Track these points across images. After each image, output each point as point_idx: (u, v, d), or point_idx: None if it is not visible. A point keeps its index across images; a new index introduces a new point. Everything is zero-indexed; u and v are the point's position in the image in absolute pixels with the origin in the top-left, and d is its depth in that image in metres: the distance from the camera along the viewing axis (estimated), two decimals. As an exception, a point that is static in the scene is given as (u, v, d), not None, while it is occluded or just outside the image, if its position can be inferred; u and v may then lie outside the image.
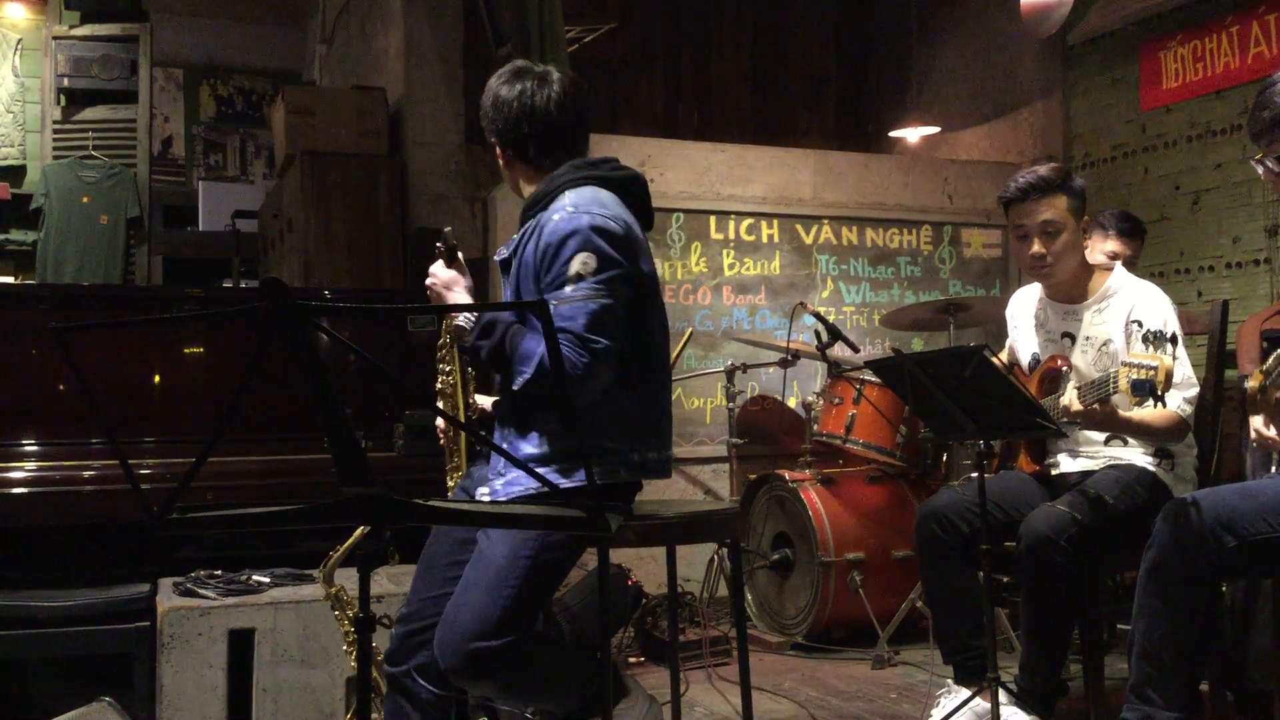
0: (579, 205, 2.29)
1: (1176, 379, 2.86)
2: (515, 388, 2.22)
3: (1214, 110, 4.87)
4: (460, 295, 2.40)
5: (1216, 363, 3.24)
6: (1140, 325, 2.93)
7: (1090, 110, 5.51)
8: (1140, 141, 5.23)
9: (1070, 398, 2.77)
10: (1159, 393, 2.50)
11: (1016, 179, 3.06)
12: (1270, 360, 2.30)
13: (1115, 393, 2.63)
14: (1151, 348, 2.58)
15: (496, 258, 2.46)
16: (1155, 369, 2.49)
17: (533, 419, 2.32)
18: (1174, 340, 2.82)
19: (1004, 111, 6.02)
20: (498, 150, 2.48)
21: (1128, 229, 4.09)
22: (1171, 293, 4.80)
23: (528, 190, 2.46)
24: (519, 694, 2.33)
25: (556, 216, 2.28)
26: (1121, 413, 2.84)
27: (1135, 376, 2.50)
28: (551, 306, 2.21)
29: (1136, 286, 3.07)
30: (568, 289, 2.23)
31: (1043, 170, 3.03)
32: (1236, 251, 4.79)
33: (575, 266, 2.23)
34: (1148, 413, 2.89)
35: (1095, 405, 2.72)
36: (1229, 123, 4.79)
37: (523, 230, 2.39)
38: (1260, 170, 2.49)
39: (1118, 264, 3.23)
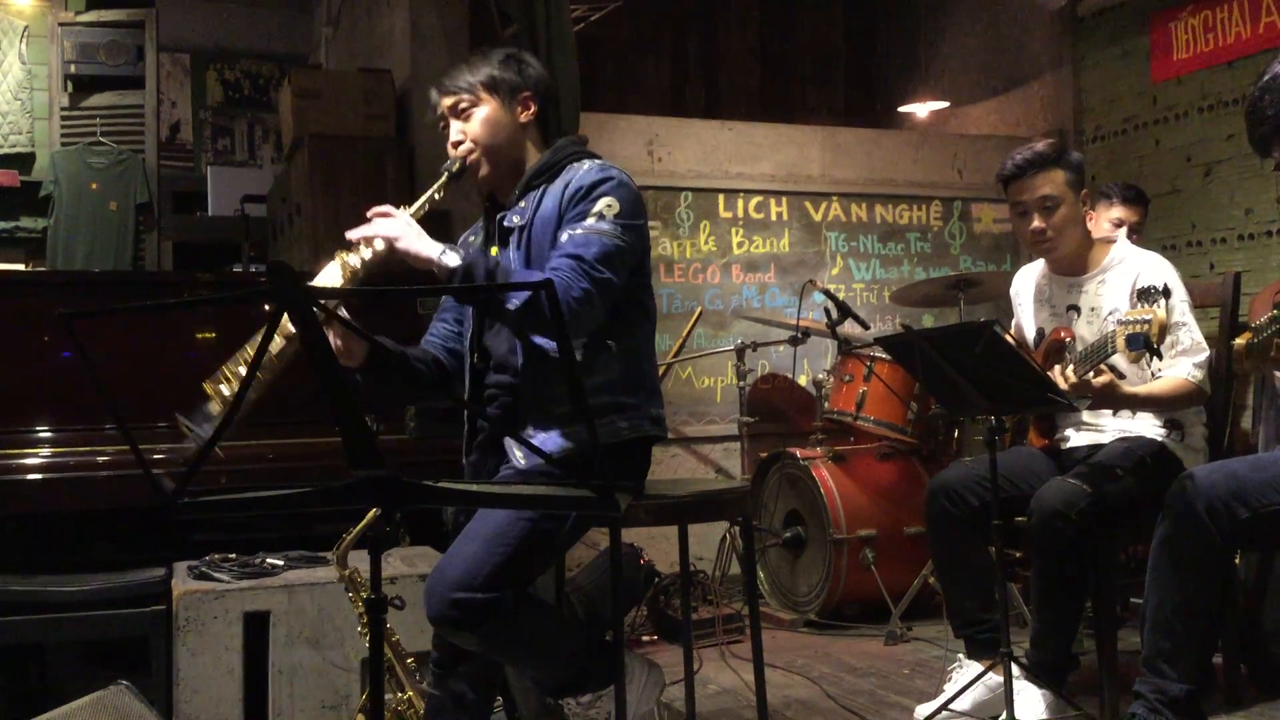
0: (605, 165, 2.43)
1: (1185, 344, 2.87)
2: (510, 308, 2.22)
3: (1225, 81, 4.83)
4: (424, 243, 2.29)
5: (1229, 335, 3.23)
6: (1142, 288, 2.94)
7: (1101, 82, 5.47)
8: (1151, 113, 5.19)
9: (1063, 373, 2.75)
10: (1154, 345, 2.50)
11: (1013, 156, 3.06)
12: (1264, 319, 2.30)
13: (1114, 353, 2.62)
14: (1144, 303, 2.58)
15: (507, 224, 2.46)
16: (1148, 322, 2.49)
17: (558, 379, 2.35)
18: (1166, 293, 2.81)
19: (1014, 85, 5.98)
20: (531, 105, 2.50)
21: (1131, 196, 4.13)
22: (1183, 265, 4.80)
23: (519, 154, 2.50)
24: (500, 651, 2.35)
25: (586, 166, 2.42)
26: (1126, 387, 2.84)
27: (1129, 332, 2.51)
28: (567, 235, 2.31)
29: (1140, 255, 3.06)
30: (588, 221, 2.32)
31: (1039, 146, 3.03)
32: (1249, 223, 4.77)
33: (599, 206, 2.34)
34: (1156, 384, 2.89)
35: (1090, 376, 2.71)
36: (1240, 94, 4.75)
37: (530, 196, 2.45)
38: None
39: (1121, 235, 3.23)
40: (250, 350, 2.18)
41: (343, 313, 2.21)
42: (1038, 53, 5.82)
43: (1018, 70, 5.95)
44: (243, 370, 2.15)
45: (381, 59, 5.87)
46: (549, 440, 2.33)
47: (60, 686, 3.34)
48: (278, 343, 2.17)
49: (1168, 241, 5.02)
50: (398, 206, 2.35)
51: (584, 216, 2.34)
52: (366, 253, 2.27)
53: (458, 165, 2.43)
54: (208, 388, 2.14)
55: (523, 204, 2.45)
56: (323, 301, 2.08)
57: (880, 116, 6.95)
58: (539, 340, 2.33)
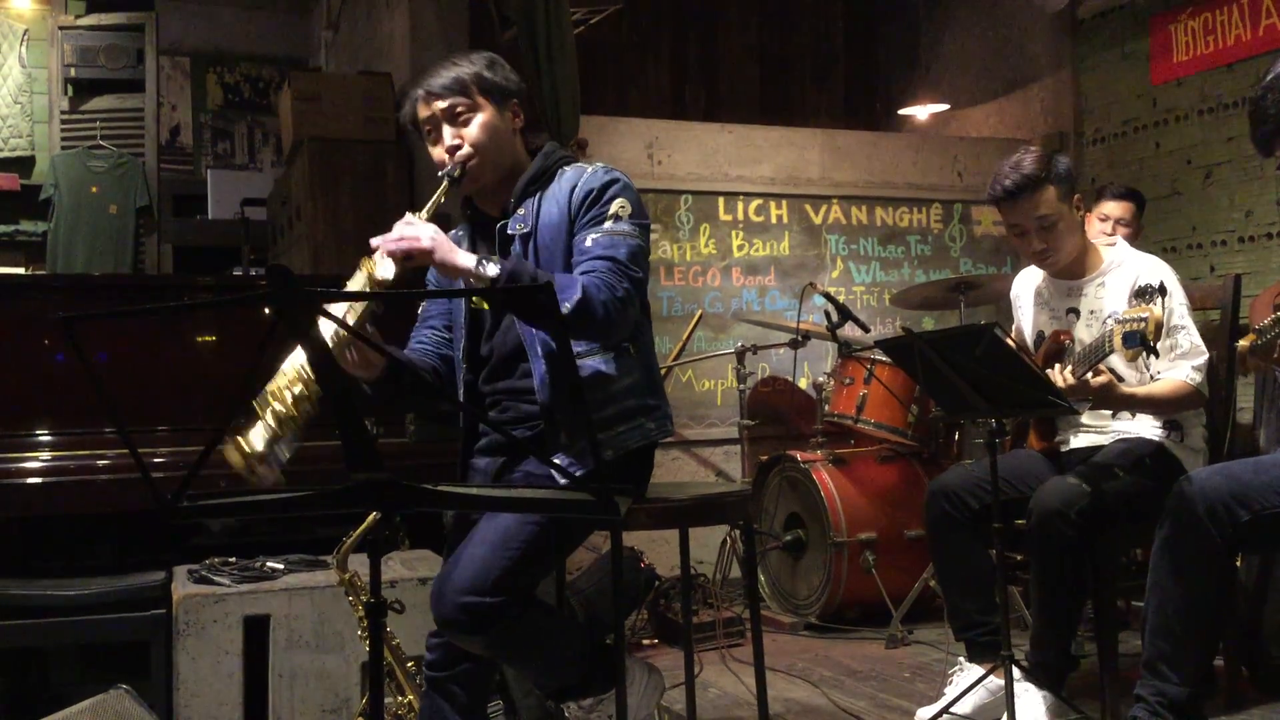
0: (607, 167, 2.42)
1: (1184, 347, 2.87)
2: (564, 312, 2.18)
3: (1225, 83, 4.84)
4: (459, 253, 2.26)
5: (1229, 338, 3.23)
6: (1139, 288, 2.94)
7: (1101, 85, 5.47)
8: (1151, 116, 5.20)
9: (1061, 375, 2.75)
10: (1150, 343, 2.50)
11: (1002, 180, 2.98)
12: (1268, 320, 2.30)
13: (1111, 352, 2.63)
14: (1140, 301, 2.58)
15: (510, 232, 2.43)
16: (1145, 320, 2.49)
17: (591, 387, 2.35)
18: (1162, 290, 2.82)
19: (1014, 87, 5.98)
20: (520, 112, 2.48)
21: (1121, 192, 4.18)
22: (1183, 267, 4.80)
23: (512, 161, 2.45)
24: (507, 655, 2.35)
25: (590, 170, 2.40)
26: (1124, 388, 2.84)
27: (1125, 330, 2.51)
28: (590, 239, 2.31)
29: (1138, 258, 3.06)
30: (607, 224, 2.33)
31: (1026, 166, 2.95)
32: (1249, 225, 4.76)
33: (614, 207, 2.35)
34: (1155, 386, 2.89)
35: (1089, 376, 2.71)
36: (1240, 96, 4.76)
37: (528, 203, 2.42)
38: None
39: (1119, 238, 3.23)
40: (294, 369, 2.13)
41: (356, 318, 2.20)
42: (1038, 55, 5.82)
43: (1018, 73, 5.95)
44: (295, 389, 2.08)
45: (381, 62, 5.87)
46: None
47: (60, 690, 3.34)
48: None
49: (1168, 244, 5.02)
50: (408, 211, 2.31)
51: (602, 219, 2.33)
52: (389, 267, 2.20)
53: (459, 171, 2.38)
54: (256, 406, 2.08)
55: (521, 211, 2.43)
56: (342, 319, 2.08)
57: (880, 119, 6.95)
58: (581, 346, 2.33)
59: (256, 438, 2.00)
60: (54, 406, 3.48)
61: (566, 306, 2.17)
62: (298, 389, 2.05)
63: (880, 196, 5.50)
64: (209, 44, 7.91)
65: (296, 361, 2.10)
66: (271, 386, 2.07)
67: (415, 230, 2.21)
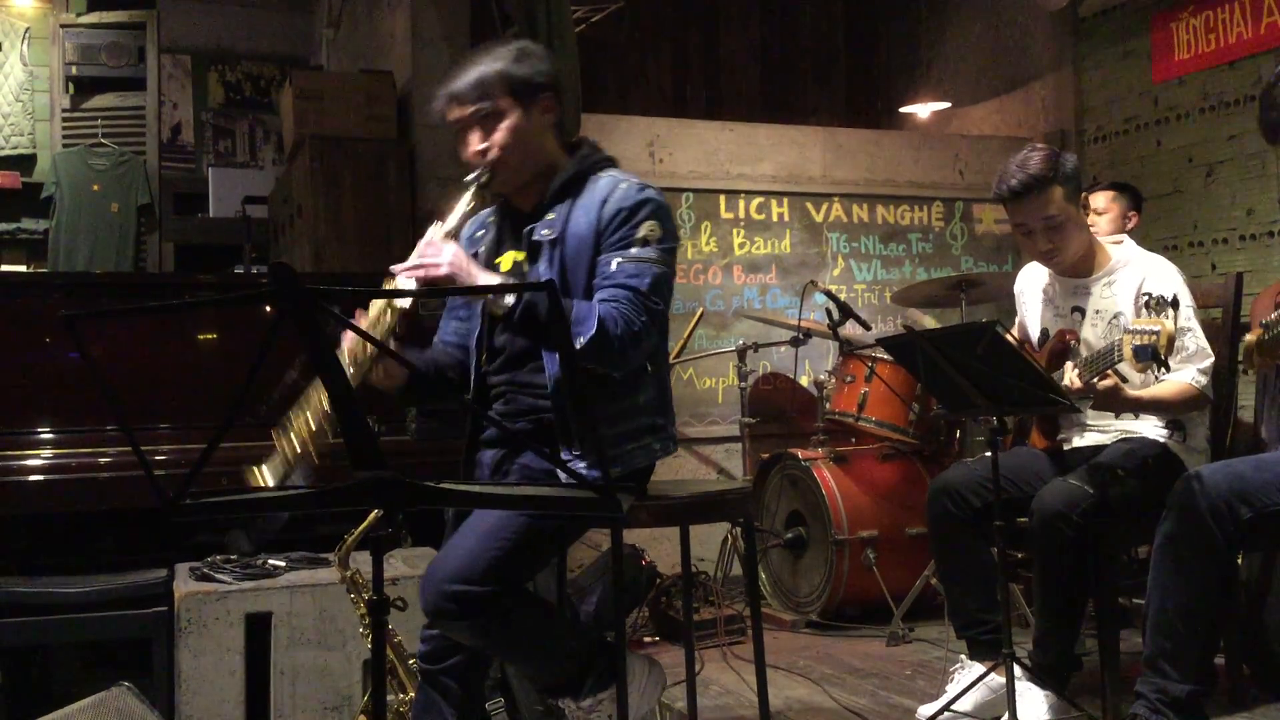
0: (641, 184, 2.39)
1: (1190, 350, 2.86)
2: (579, 347, 2.19)
3: (1226, 81, 4.83)
4: (478, 278, 2.27)
5: (1231, 336, 3.23)
6: (1150, 296, 2.93)
7: (1102, 83, 5.47)
8: (1152, 114, 5.19)
9: (1070, 376, 2.75)
10: (1161, 357, 2.48)
11: (1009, 179, 2.94)
12: (1274, 315, 2.30)
13: (1120, 361, 2.61)
14: (1153, 313, 2.56)
15: (537, 238, 2.40)
16: (1157, 333, 2.47)
17: (607, 400, 2.35)
18: (1175, 304, 2.80)
19: (1015, 85, 5.98)
20: (552, 106, 2.42)
21: (1105, 185, 4.16)
22: (1185, 266, 4.79)
23: (544, 159, 2.42)
24: (493, 646, 2.35)
25: (624, 186, 2.37)
26: (1130, 391, 2.83)
27: (1137, 342, 2.50)
28: (616, 264, 2.29)
29: (1146, 259, 3.05)
30: (634, 250, 2.31)
31: (1033, 166, 2.92)
32: (1250, 223, 4.76)
33: (643, 231, 2.32)
34: (1160, 388, 2.88)
35: (1095, 380, 2.70)
36: (1242, 94, 4.75)
37: (559, 208, 2.40)
38: None
39: (1126, 237, 3.22)
40: (314, 397, 2.16)
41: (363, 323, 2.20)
42: (1039, 53, 5.82)
43: (1019, 71, 5.95)
44: (311, 423, 2.11)
45: (382, 60, 5.87)
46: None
47: (62, 687, 3.34)
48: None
49: (1169, 242, 5.02)
50: (430, 221, 2.30)
51: (629, 244, 2.31)
52: (406, 302, 2.21)
53: (487, 176, 2.35)
54: (275, 435, 2.11)
55: (551, 215, 2.40)
56: (371, 335, 2.09)
57: (881, 117, 6.95)
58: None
59: (270, 472, 2.07)
60: (56, 404, 3.49)
61: (581, 341, 2.18)
62: (314, 423, 2.09)
63: (881, 194, 5.50)
64: (210, 42, 7.92)
65: (315, 394, 2.13)
66: (293, 417, 2.11)
67: (434, 255, 2.19)
